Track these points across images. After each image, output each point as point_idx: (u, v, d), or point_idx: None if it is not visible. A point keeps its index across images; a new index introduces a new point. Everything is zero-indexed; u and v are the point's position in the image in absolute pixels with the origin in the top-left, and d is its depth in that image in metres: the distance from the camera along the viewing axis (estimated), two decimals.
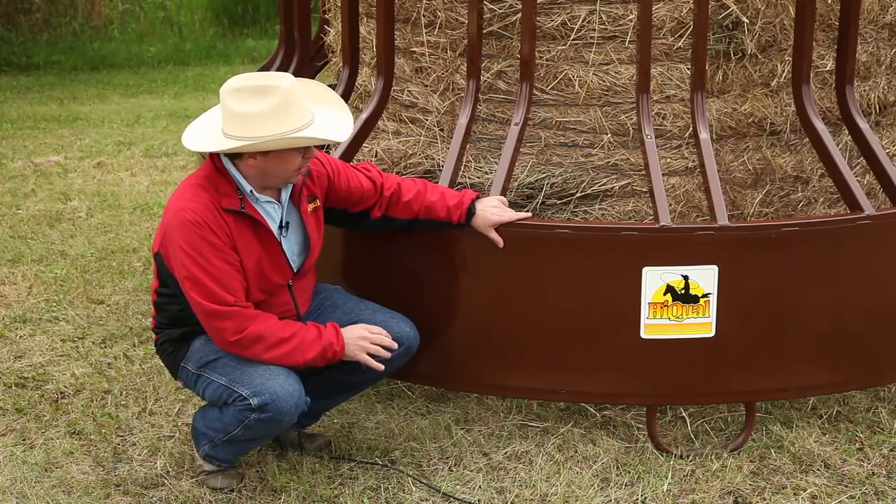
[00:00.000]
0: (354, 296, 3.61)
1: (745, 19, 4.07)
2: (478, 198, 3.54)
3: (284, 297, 3.40)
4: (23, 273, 5.40)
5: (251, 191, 3.26)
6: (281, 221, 3.34)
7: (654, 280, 3.45)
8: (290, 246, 3.39)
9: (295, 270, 3.40)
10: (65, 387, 4.16)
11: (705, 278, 3.46)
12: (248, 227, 3.26)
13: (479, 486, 3.45)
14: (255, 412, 3.19)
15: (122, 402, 4.04)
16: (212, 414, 3.36)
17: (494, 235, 3.48)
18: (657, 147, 3.81)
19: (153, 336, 3.53)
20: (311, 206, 3.41)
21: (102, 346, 4.56)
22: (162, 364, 4.28)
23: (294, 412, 3.22)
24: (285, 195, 3.35)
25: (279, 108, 3.14)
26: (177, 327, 3.40)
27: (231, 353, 3.26)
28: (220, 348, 3.29)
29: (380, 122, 4.40)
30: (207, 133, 3.27)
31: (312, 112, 3.25)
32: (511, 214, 3.49)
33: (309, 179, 3.41)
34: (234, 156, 3.24)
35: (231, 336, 3.19)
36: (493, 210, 3.50)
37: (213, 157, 3.28)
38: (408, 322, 3.50)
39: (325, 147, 4.85)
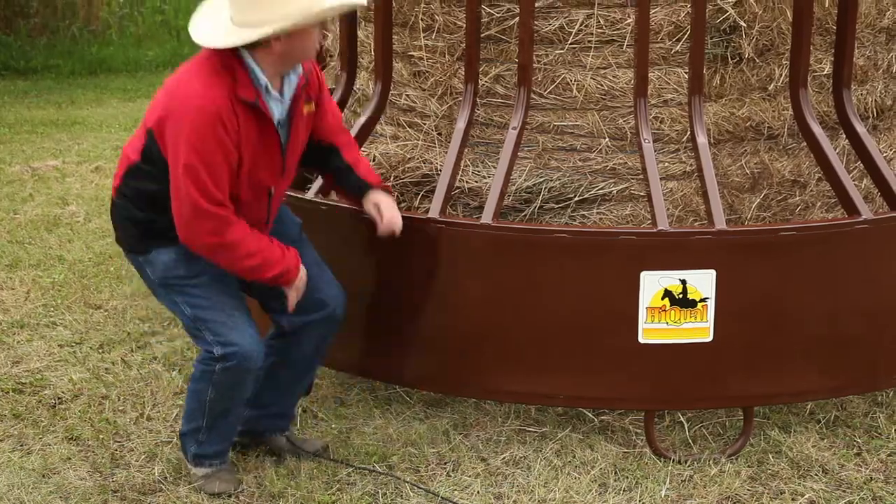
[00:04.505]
0: (306, 237, 3.53)
1: (742, 23, 4.07)
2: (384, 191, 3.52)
3: (262, 202, 3.29)
4: (20, 278, 5.39)
5: (266, 85, 3.14)
6: (280, 117, 3.24)
7: (652, 284, 3.45)
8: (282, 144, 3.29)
9: (283, 170, 3.30)
10: (62, 392, 4.15)
11: (703, 282, 3.45)
12: (254, 121, 3.14)
13: (478, 492, 3.45)
14: (219, 362, 3.22)
15: (120, 408, 4.03)
16: (187, 401, 3.39)
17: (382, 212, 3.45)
18: (655, 151, 3.81)
19: (111, 194, 3.34)
20: (307, 109, 3.32)
21: (100, 351, 4.55)
22: (160, 370, 4.31)
23: (257, 358, 3.25)
24: (288, 92, 3.23)
25: None
26: (144, 205, 3.24)
27: (197, 262, 3.22)
28: (187, 260, 3.23)
29: (378, 127, 4.40)
30: (219, 27, 3.11)
31: None
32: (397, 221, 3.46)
33: (306, 81, 3.29)
34: (252, 45, 3.08)
35: (208, 238, 3.12)
36: (388, 203, 3.48)
37: (225, 49, 3.09)
38: (338, 287, 3.49)
39: None
